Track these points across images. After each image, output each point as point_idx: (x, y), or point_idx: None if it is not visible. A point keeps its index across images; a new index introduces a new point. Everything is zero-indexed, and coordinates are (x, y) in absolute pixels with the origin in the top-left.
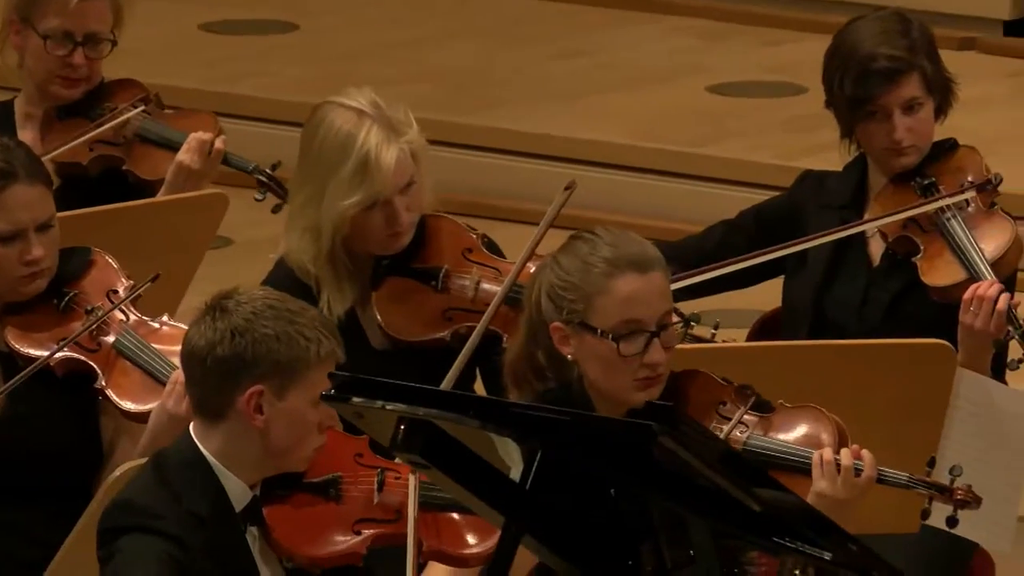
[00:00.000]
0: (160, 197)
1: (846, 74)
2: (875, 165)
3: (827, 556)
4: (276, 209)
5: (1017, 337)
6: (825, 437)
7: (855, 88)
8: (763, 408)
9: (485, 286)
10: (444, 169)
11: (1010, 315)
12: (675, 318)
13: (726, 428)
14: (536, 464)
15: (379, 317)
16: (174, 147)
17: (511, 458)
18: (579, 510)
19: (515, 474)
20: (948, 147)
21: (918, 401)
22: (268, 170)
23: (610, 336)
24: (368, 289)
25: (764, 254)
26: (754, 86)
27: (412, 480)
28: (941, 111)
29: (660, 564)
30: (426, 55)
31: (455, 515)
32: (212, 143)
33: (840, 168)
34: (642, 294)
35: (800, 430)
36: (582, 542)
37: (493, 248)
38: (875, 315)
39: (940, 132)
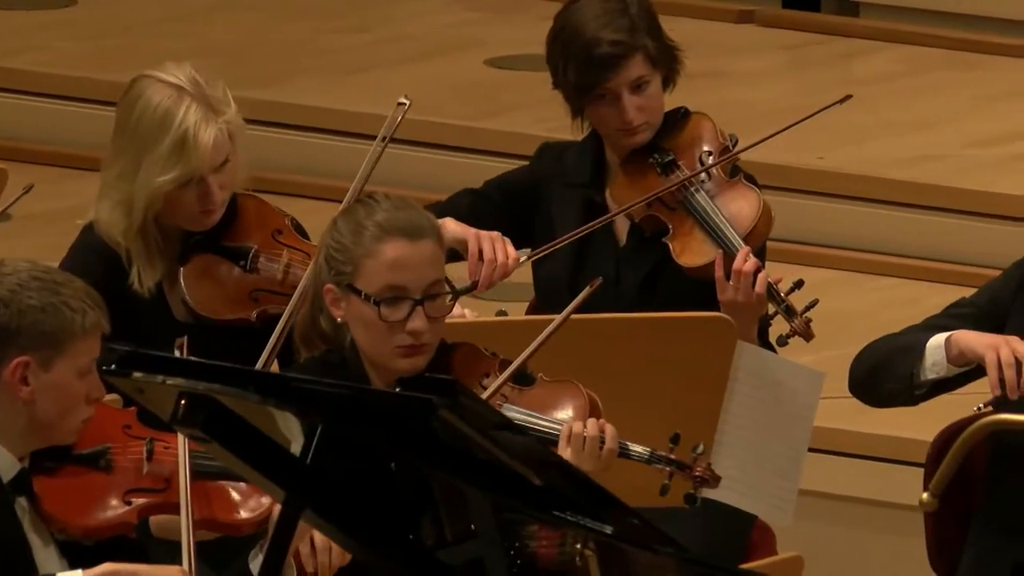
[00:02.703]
0: None
1: (569, 61)
2: (609, 142)
3: (608, 530)
4: None
5: (782, 312)
6: (577, 411)
7: (579, 76)
8: (524, 381)
9: (295, 268)
10: None
11: (772, 292)
12: (447, 289)
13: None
14: (317, 438)
15: (186, 293)
16: None
17: (292, 432)
18: (359, 484)
19: (295, 448)
20: (680, 116)
21: (698, 374)
22: None
23: (373, 300)
24: (176, 264)
25: (570, 238)
26: (533, 59)
27: (182, 449)
28: (669, 81)
29: (440, 538)
30: (206, 28)
31: (225, 483)
32: None
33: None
34: (409, 261)
35: (554, 403)
36: (362, 516)
37: (301, 231)
38: (630, 293)
39: (719, 105)
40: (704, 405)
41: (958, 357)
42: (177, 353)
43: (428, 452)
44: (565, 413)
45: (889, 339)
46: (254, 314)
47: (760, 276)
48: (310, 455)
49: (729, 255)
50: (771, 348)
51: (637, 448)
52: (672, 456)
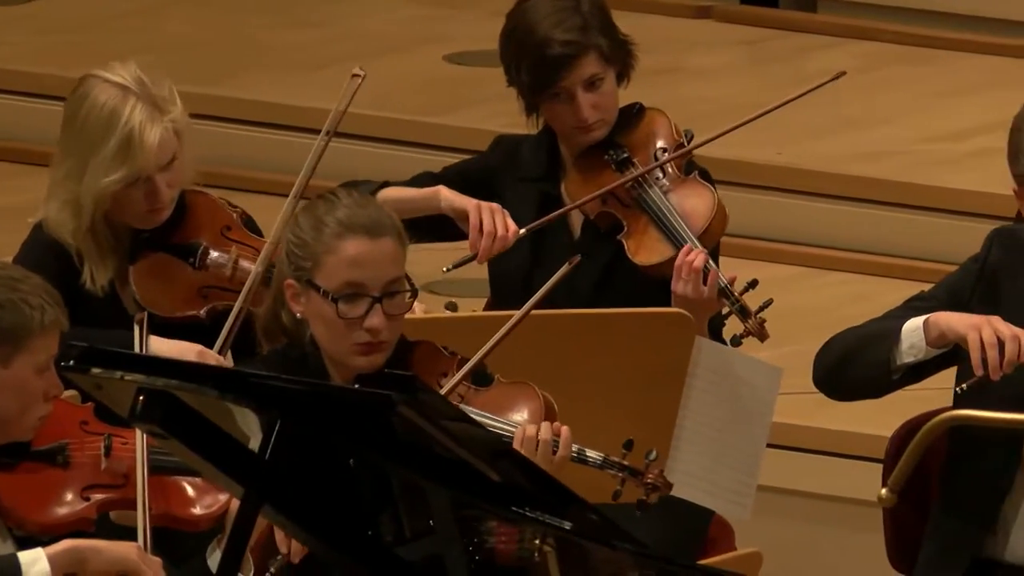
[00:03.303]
0: None
1: (522, 61)
2: (564, 138)
3: (566, 526)
4: None
5: (736, 312)
6: (532, 413)
7: (533, 76)
8: (482, 381)
9: (244, 264)
10: None
11: (726, 291)
12: (406, 287)
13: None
14: (275, 434)
15: (136, 291)
16: None
17: (250, 428)
18: (318, 480)
19: (254, 444)
20: (635, 112)
21: (656, 370)
22: None
23: (331, 297)
24: (126, 262)
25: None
26: (492, 55)
27: (140, 444)
28: (624, 76)
29: (399, 534)
30: (159, 25)
31: (182, 478)
32: None
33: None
34: (368, 258)
35: (510, 405)
36: (321, 512)
37: (251, 225)
38: (585, 289)
39: (670, 100)
40: (662, 401)
41: (938, 339)
42: (137, 329)
43: (387, 448)
44: (520, 415)
45: (856, 329)
46: (203, 311)
47: (711, 276)
48: (268, 451)
49: None
50: None
51: (590, 453)
52: (625, 462)
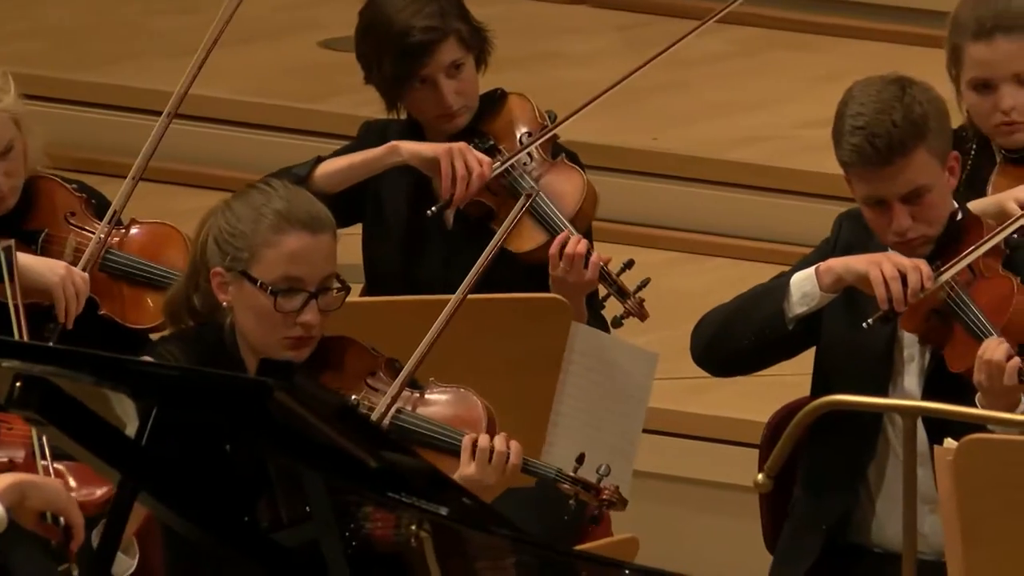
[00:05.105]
0: None
1: (384, 54)
2: (428, 128)
3: (443, 511)
4: None
5: (614, 294)
6: (477, 421)
7: (396, 67)
8: (414, 384)
9: (82, 252)
10: (58, 126)
11: (603, 273)
12: (336, 284)
13: (378, 401)
14: (152, 420)
15: None
16: None
17: (127, 414)
18: (194, 466)
19: (130, 430)
20: (497, 98)
21: (533, 356)
22: None
23: (269, 290)
24: None
25: None
26: None
27: (34, 430)
28: (481, 61)
29: (276, 519)
30: (41, 11)
31: (62, 464)
32: None
33: None
34: (308, 253)
35: (452, 411)
36: (198, 498)
37: (102, 210)
38: (460, 277)
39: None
40: (538, 387)
41: (835, 283)
42: (2, 255)
43: (264, 434)
44: (464, 421)
45: (734, 299)
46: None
47: (592, 259)
48: (145, 437)
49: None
50: (606, 329)
51: (544, 466)
52: (578, 476)
